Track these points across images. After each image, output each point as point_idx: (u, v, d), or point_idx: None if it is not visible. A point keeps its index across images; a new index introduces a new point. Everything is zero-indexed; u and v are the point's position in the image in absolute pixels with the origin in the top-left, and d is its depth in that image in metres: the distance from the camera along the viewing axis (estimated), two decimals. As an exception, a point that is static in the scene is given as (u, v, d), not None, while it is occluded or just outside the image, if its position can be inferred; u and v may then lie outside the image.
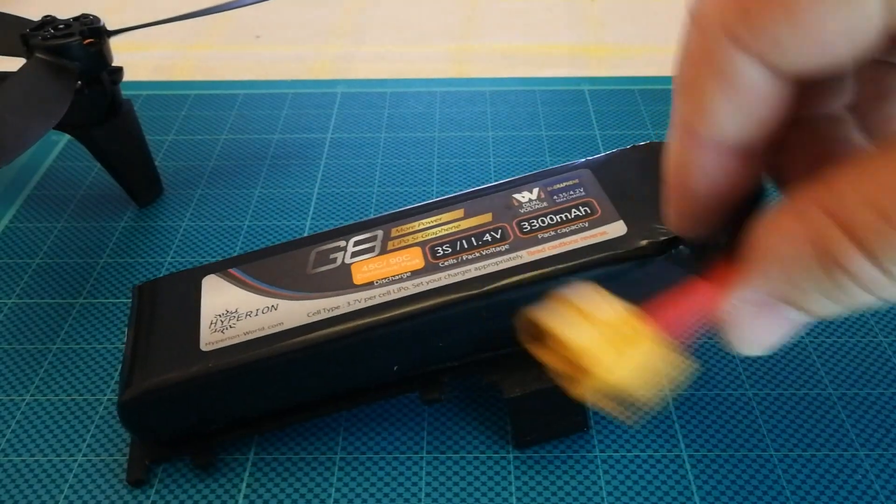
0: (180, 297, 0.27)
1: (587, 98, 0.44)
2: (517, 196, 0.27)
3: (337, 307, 0.25)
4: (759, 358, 0.29)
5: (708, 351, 0.29)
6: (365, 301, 0.25)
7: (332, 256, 0.27)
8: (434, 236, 0.26)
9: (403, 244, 0.26)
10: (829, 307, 0.16)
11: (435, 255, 0.26)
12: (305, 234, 0.32)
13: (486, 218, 0.26)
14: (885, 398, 0.28)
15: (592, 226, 0.25)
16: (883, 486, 0.25)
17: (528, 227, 0.26)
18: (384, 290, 0.25)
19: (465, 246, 0.26)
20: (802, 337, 0.30)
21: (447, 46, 0.52)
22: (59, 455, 0.27)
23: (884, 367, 0.29)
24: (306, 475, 0.26)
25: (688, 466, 0.26)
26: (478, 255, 0.25)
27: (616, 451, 0.26)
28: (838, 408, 0.27)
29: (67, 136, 0.42)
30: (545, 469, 0.26)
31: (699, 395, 0.28)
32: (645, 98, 0.44)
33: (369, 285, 0.25)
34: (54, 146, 0.42)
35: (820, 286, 0.16)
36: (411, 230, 0.27)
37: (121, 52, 0.36)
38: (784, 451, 0.26)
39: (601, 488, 0.25)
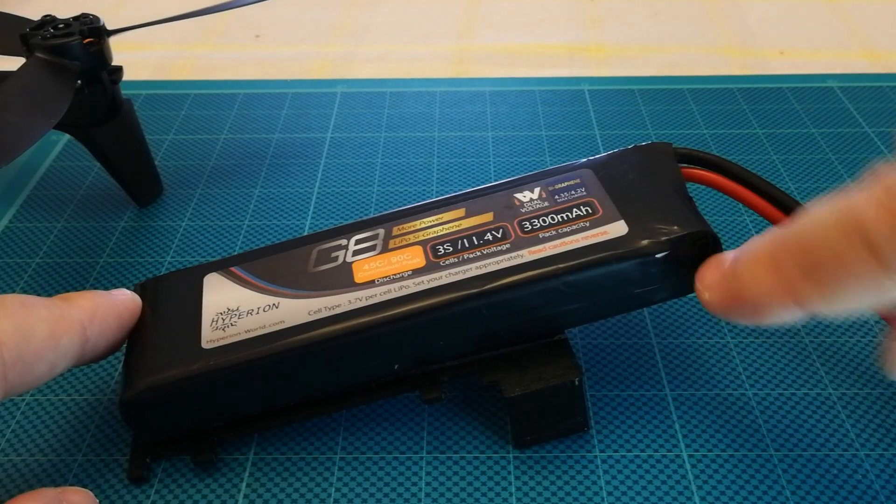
0: (182, 294, 0.27)
1: (587, 98, 0.44)
2: (518, 195, 0.27)
3: (338, 305, 0.25)
4: (759, 358, 0.29)
5: (708, 351, 0.29)
6: (366, 299, 0.25)
7: (333, 255, 0.27)
8: (435, 235, 0.26)
9: (405, 243, 0.26)
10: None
11: (436, 253, 0.26)
12: (305, 234, 0.32)
13: (488, 217, 0.27)
14: (885, 398, 0.28)
15: (593, 225, 0.25)
16: (883, 486, 0.25)
17: (529, 227, 0.26)
18: (385, 288, 0.25)
19: (466, 245, 0.26)
20: (802, 337, 0.30)
21: (447, 46, 0.52)
22: (59, 455, 0.27)
23: (884, 367, 0.29)
24: (306, 475, 0.26)
25: (688, 466, 0.26)
26: (479, 254, 0.25)
27: (616, 451, 0.26)
28: (838, 408, 0.27)
29: (67, 136, 0.42)
30: (545, 469, 0.26)
31: (699, 395, 0.28)
32: (645, 98, 0.44)
33: (370, 284, 0.25)
34: (54, 146, 0.42)
35: None
36: (412, 229, 0.27)
37: (121, 51, 0.36)
38: (784, 451, 0.26)
39: (601, 488, 0.25)
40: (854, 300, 0.20)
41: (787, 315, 0.22)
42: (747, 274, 0.22)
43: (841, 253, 0.19)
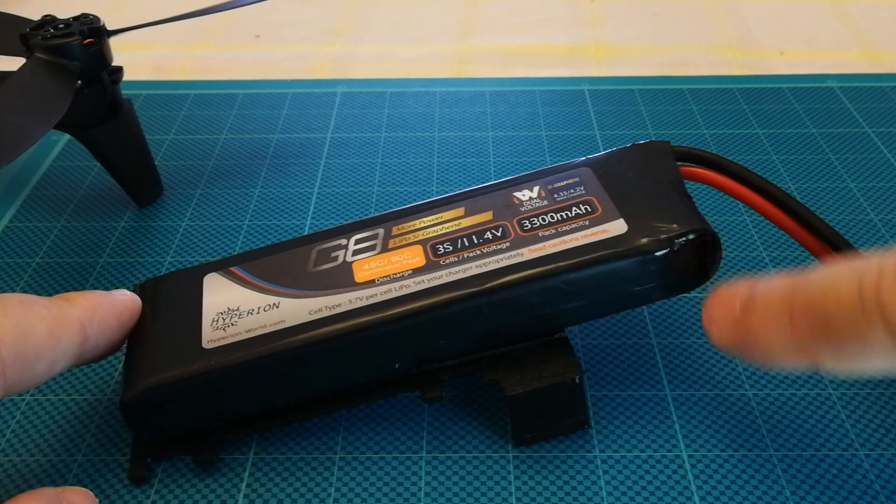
0: (182, 295, 0.27)
1: (587, 98, 0.44)
2: (517, 194, 0.27)
3: (338, 305, 0.25)
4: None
5: (708, 351, 0.29)
6: (366, 299, 0.25)
7: (333, 255, 0.27)
8: (435, 234, 0.26)
9: (404, 242, 0.26)
10: None
11: (436, 252, 0.26)
12: (305, 234, 0.32)
13: (487, 216, 0.27)
14: (885, 398, 0.28)
15: (593, 224, 0.25)
16: (883, 486, 0.25)
17: (529, 226, 0.26)
18: (385, 287, 0.25)
19: (466, 244, 0.26)
20: (802, 337, 0.30)
21: (447, 46, 0.52)
22: (59, 455, 0.27)
23: (884, 366, 0.29)
24: (306, 475, 0.26)
25: (688, 466, 0.26)
26: (479, 252, 0.25)
27: (616, 451, 0.26)
28: (838, 408, 0.27)
29: (67, 136, 0.42)
30: (545, 469, 0.26)
31: (699, 395, 0.28)
32: (645, 98, 0.44)
33: (371, 283, 0.25)
34: (54, 146, 0.42)
35: None
36: (412, 228, 0.27)
37: (121, 51, 0.36)
38: (784, 451, 0.26)
39: (601, 488, 0.25)
40: (866, 364, 0.20)
41: (796, 366, 0.22)
42: (760, 325, 0.22)
43: (859, 328, 0.19)
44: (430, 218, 0.27)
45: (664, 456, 0.26)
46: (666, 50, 0.51)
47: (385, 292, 0.25)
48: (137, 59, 0.50)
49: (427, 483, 0.25)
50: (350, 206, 0.37)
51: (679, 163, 0.27)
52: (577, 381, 0.25)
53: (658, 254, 0.24)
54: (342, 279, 0.26)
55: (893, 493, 0.25)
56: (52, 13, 0.34)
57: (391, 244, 0.26)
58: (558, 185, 0.27)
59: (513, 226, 0.26)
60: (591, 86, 0.45)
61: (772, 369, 0.28)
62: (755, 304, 0.22)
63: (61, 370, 0.24)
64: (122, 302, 0.26)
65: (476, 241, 0.26)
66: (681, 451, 0.26)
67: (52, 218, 0.37)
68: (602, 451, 0.26)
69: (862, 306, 0.19)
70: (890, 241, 0.34)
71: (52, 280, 0.33)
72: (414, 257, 0.26)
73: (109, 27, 0.34)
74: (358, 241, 0.27)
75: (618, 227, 0.25)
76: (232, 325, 0.25)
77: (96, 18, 0.34)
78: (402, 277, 0.25)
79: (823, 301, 0.20)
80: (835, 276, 0.20)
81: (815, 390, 0.28)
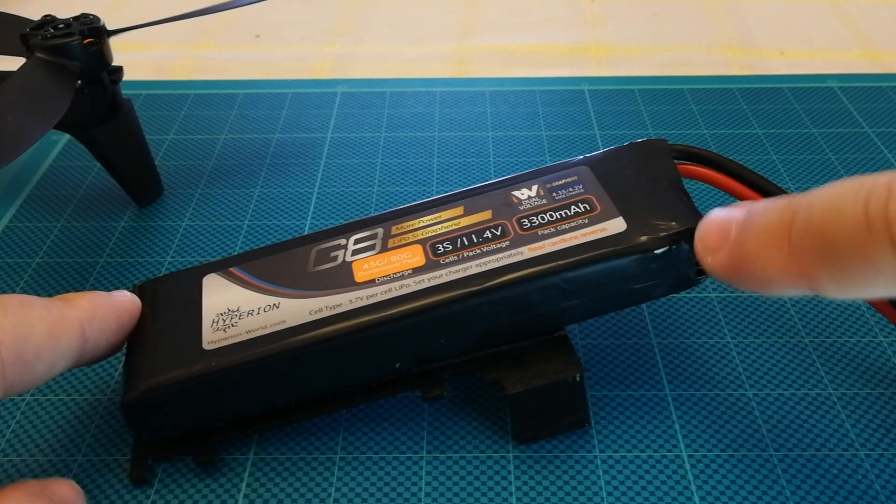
0: (181, 295, 0.27)
1: (587, 98, 0.44)
2: (516, 193, 0.27)
3: (339, 305, 0.25)
4: (759, 358, 0.29)
5: (708, 351, 0.29)
6: (367, 298, 0.25)
7: (332, 255, 0.27)
8: (434, 234, 0.26)
9: (404, 242, 0.26)
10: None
11: (436, 252, 0.26)
12: (305, 234, 0.32)
13: (486, 215, 0.27)
14: (885, 398, 0.28)
15: (592, 222, 0.25)
16: (883, 486, 0.25)
17: (528, 224, 0.26)
18: (386, 287, 0.25)
19: (466, 243, 0.26)
20: (802, 337, 0.30)
21: (447, 46, 0.52)
22: (59, 455, 0.27)
23: (884, 367, 0.29)
24: (306, 475, 0.26)
25: (688, 466, 0.26)
26: (478, 251, 0.25)
27: (616, 451, 0.26)
28: (838, 408, 0.27)
29: (67, 136, 0.42)
30: (545, 469, 0.26)
31: (699, 395, 0.28)
32: (645, 98, 0.44)
33: (371, 283, 0.25)
34: (54, 146, 0.42)
35: None
36: (412, 227, 0.27)
37: (121, 51, 0.36)
38: (784, 451, 0.26)
39: (601, 488, 0.25)
40: (870, 289, 0.19)
41: (794, 293, 0.21)
42: (757, 250, 0.21)
43: (864, 249, 0.18)
44: (429, 217, 0.27)
45: (664, 456, 0.26)
46: (666, 50, 0.51)
47: (385, 292, 0.25)
48: (137, 59, 0.50)
49: (427, 483, 0.25)
50: (350, 206, 0.37)
51: (677, 161, 0.27)
52: (578, 378, 0.25)
53: (657, 251, 0.24)
54: (342, 279, 0.26)
55: (893, 493, 0.25)
56: (52, 13, 0.34)
57: (391, 244, 0.26)
58: (557, 183, 0.27)
59: (512, 224, 0.26)
60: (591, 86, 0.45)
61: (768, 295, 0.27)
62: (751, 226, 0.21)
63: (61, 371, 0.24)
64: (122, 303, 0.26)
65: (475, 241, 0.26)
66: (681, 451, 0.26)
67: (52, 218, 0.37)
68: (602, 451, 0.26)
69: (868, 226, 0.18)
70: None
71: (52, 280, 0.33)
72: (413, 257, 0.26)
73: (109, 27, 0.34)
74: (357, 241, 0.27)
75: (617, 225, 0.25)
76: (232, 325, 0.25)
77: (96, 18, 0.34)
78: (402, 277, 0.25)
79: (826, 221, 0.19)
80: (839, 194, 0.19)
81: (815, 390, 0.28)
